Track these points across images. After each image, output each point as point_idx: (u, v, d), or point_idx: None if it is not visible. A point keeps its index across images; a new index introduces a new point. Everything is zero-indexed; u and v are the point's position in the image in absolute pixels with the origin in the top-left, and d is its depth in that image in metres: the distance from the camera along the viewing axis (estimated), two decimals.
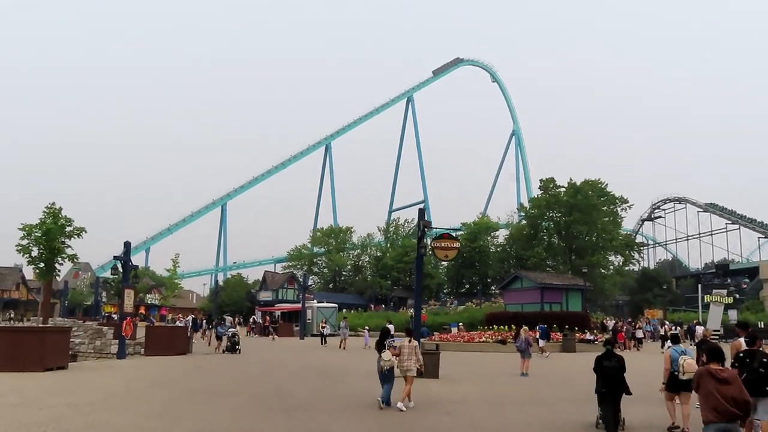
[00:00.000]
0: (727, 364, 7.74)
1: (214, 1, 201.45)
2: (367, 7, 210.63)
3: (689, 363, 9.39)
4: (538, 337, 29.31)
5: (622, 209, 57.44)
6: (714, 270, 55.23)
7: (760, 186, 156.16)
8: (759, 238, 71.09)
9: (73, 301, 67.91)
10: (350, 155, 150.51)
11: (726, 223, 75.22)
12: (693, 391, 6.95)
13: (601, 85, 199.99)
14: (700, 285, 39.77)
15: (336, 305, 49.54)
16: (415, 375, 12.20)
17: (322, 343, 32.40)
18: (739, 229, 73.68)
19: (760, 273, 50.53)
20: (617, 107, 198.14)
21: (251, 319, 47.18)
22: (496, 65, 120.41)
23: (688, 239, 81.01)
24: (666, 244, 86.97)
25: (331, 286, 73.91)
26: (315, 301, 48.87)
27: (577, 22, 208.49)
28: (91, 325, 27.79)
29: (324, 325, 33.95)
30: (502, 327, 34.47)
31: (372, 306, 63.06)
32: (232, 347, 25.39)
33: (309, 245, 79.76)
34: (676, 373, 9.57)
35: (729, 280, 50.15)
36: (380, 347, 12.25)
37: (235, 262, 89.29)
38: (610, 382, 9.37)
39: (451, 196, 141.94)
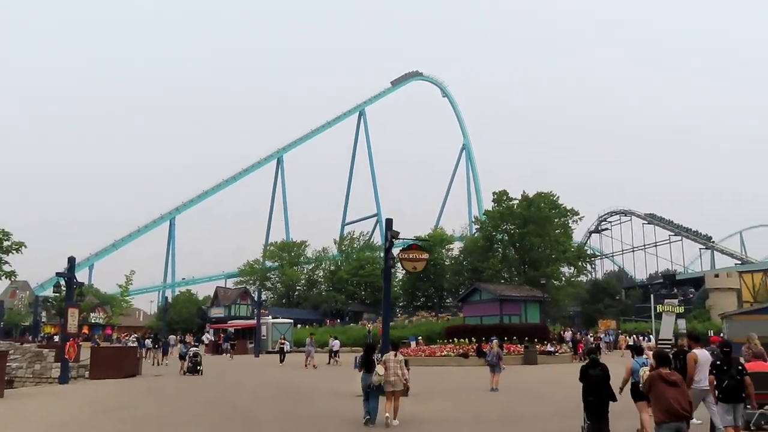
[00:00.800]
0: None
1: (156, 14, 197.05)
2: (320, 20, 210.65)
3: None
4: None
5: (573, 221, 58.35)
6: (661, 280, 56.59)
7: (700, 198, 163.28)
8: (700, 249, 73.79)
9: (10, 321, 63.75)
10: (303, 169, 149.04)
11: (669, 235, 77.76)
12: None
13: (543, 100, 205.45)
14: (652, 295, 40.41)
15: (292, 321, 48.19)
16: (402, 391, 11.98)
17: (280, 362, 30.61)
18: (681, 240, 76.30)
19: (705, 282, 52.10)
20: (566, 121, 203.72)
21: (204, 337, 45.23)
22: (447, 80, 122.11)
23: (633, 251, 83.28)
24: (612, 256, 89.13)
25: (284, 301, 72.19)
26: (270, 316, 47.33)
27: (532, 39, 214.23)
28: (30, 348, 25.59)
29: (283, 341, 32.00)
30: (462, 340, 34.01)
31: (327, 321, 61.73)
32: (194, 368, 23.79)
33: (261, 260, 77.87)
34: (637, 383, 9.68)
35: (676, 290, 51.39)
36: (368, 364, 12.00)
37: (183, 278, 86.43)
38: (597, 390, 9.49)
39: (405, 210, 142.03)
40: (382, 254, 75.81)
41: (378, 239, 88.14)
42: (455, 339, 34.95)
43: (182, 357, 24.57)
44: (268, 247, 79.73)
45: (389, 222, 18.65)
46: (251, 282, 72.80)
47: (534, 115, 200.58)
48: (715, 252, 76.86)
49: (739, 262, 73.25)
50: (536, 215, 53.50)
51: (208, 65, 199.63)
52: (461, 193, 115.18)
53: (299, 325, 54.52)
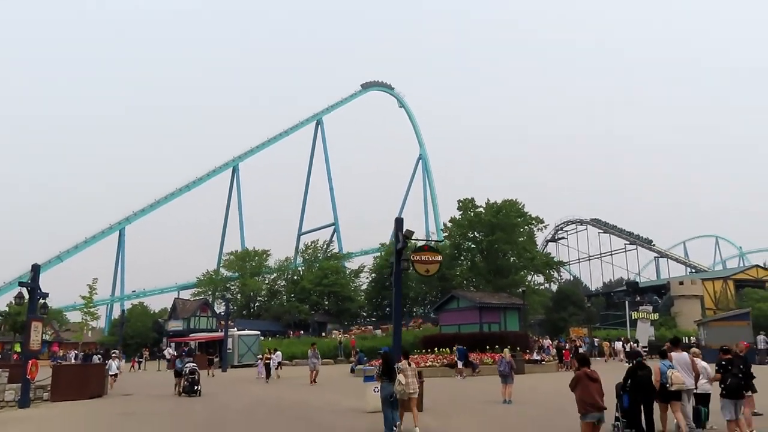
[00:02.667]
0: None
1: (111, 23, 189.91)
2: (278, 28, 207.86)
3: (676, 376, 10.58)
4: (456, 359, 28.29)
5: (538, 229, 58.29)
6: (623, 288, 57.14)
7: (651, 208, 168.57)
8: (655, 257, 75.40)
9: None
10: (259, 178, 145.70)
11: (625, 244, 79.20)
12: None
13: (494, 113, 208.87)
14: (627, 302, 40.33)
15: (258, 332, 45.80)
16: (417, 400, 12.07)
17: (267, 377, 27.61)
18: (636, 249, 77.86)
19: (671, 290, 52.83)
20: (520, 131, 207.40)
21: (166, 352, 42.22)
22: (405, 91, 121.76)
23: (589, 259, 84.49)
24: (569, 264, 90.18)
25: (244, 312, 69.23)
26: (236, 329, 44.76)
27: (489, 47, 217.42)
28: None
29: (270, 355, 28.75)
30: (444, 350, 32.67)
31: (291, 332, 59.35)
32: (191, 387, 20.15)
33: (221, 270, 74.67)
34: (666, 384, 10.53)
35: (639, 298, 51.93)
36: (389, 373, 11.84)
37: (134, 291, 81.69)
38: (647, 389, 10.31)
39: (363, 220, 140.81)
40: (345, 263, 74.58)
41: (336, 248, 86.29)
42: (436, 349, 33.66)
43: (178, 374, 21.10)
44: (227, 257, 76.53)
45: (399, 221, 17.13)
46: (209, 293, 69.59)
47: (488, 130, 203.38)
48: (669, 261, 78.76)
49: (694, 270, 75.30)
50: (504, 222, 53.05)
51: (160, 70, 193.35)
52: (418, 204, 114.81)
53: (261, 338, 52.05)
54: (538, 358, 30.82)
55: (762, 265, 66.04)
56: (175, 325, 55.38)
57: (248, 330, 46.81)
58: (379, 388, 12.62)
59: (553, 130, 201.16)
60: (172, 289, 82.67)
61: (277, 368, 29.77)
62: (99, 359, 31.81)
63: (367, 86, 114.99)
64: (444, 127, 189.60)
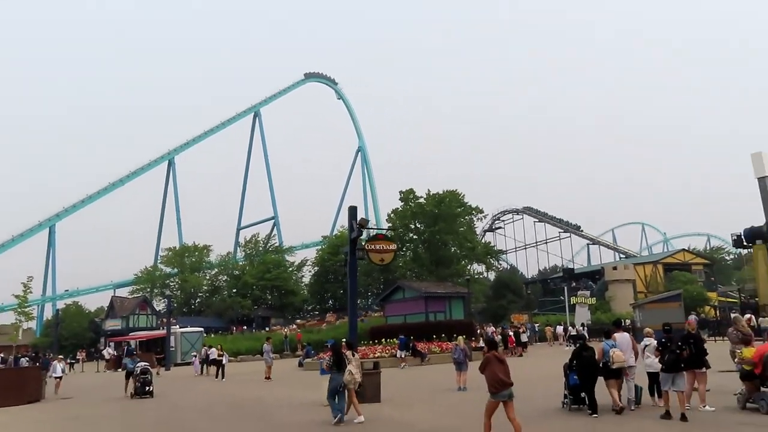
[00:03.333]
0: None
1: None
2: (216, 19, 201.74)
3: (617, 354, 11.38)
4: (398, 348, 28.63)
5: (478, 219, 59.38)
6: (559, 274, 59.10)
7: (583, 196, 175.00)
8: (587, 244, 78.41)
9: None
10: (196, 171, 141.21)
11: (559, 232, 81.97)
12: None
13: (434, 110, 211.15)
14: (565, 288, 41.63)
15: (202, 329, 44.55)
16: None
17: (216, 376, 26.30)
18: (570, 237, 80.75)
19: (605, 275, 55.01)
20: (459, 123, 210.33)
21: (105, 352, 40.35)
22: (343, 82, 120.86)
23: (526, 248, 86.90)
24: (507, 253, 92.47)
25: (185, 309, 67.11)
26: (178, 326, 43.32)
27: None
28: None
29: (221, 352, 27.40)
30: (392, 340, 32.77)
31: (233, 328, 58.04)
32: (143, 388, 18.79)
33: (160, 266, 72.01)
34: (608, 363, 11.35)
35: (575, 284, 53.81)
36: (340, 364, 12.14)
37: (67, 290, 77.57)
38: (590, 368, 11.55)
39: (303, 212, 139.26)
40: (288, 257, 73.44)
41: (277, 242, 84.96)
42: (384, 340, 33.72)
43: (129, 374, 19.66)
44: (165, 253, 73.86)
45: (353, 210, 16.88)
46: (148, 290, 67.03)
47: (425, 119, 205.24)
48: (600, 247, 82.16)
49: (624, 256, 78.83)
50: (446, 213, 53.70)
51: (95, 61, 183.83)
52: (358, 195, 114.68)
53: (204, 334, 50.67)
54: (484, 345, 31.28)
55: (688, 249, 70.03)
56: (113, 324, 53.07)
57: (190, 327, 45.46)
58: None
59: (493, 120, 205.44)
60: (108, 288, 79.18)
61: (210, 365, 29.18)
62: (27, 362, 30.26)
63: (308, 76, 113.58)
64: (384, 118, 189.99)
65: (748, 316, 29.15)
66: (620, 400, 11.50)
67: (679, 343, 10.84)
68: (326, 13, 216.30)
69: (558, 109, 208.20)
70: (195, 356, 32.30)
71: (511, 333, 33.12)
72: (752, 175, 42.79)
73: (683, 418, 10.16)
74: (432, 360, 29.08)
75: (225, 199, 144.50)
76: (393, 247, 16.89)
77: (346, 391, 12.18)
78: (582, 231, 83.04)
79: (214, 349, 30.85)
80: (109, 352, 39.75)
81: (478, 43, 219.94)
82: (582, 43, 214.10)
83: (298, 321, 58.38)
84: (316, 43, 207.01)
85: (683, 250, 67.56)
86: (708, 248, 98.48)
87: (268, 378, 24.24)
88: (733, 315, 15.60)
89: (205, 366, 29.68)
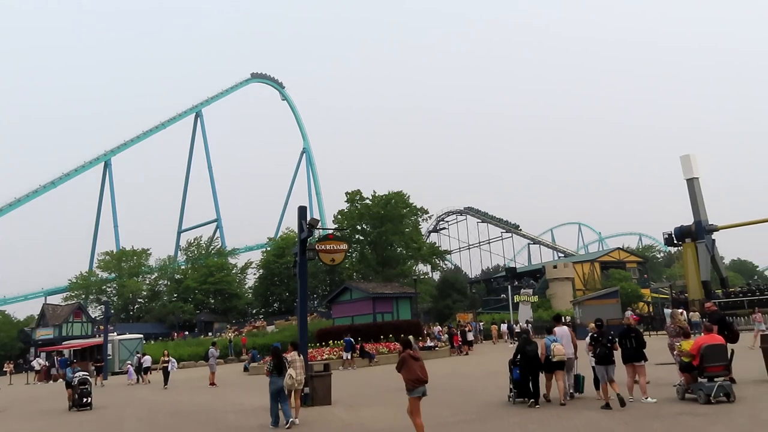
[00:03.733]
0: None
1: None
2: (155, 18, 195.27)
3: (558, 348, 12.01)
4: (343, 350, 28.58)
5: (423, 219, 59.90)
6: (502, 274, 60.32)
7: (522, 198, 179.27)
8: (528, 243, 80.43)
9: None
10: (135, 173, 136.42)
11: (501, 232, 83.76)
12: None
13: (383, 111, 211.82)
14: (509, 286, 42.50)
15: (141, 336, 42.91)
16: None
17: (165, 383, 24.80)
18: (512, 237, 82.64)
19: (546, 274, 56.54)
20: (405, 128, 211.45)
21: (36, 362, 38.22)
22: (288, 84, 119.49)
23: (469, 248, 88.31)
24: (451, 253, 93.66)
25: (123, 315, 64.58)
26: (116, 333, 41.58)
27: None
28: None
29: (167, 359, 25.78)
30: (339, 342, 32.49)
31: (175, 334, 56.23)
32: (80, 400, 17.48)
33: (96, 271, 68.93)
34: (550, 356, 11.98)
35: (517, 282, 55.01)
36: (280, 367, 12.16)
37: None
38: (533, 362, 12.29)
39: (247, 214, 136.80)
40: (231, 260, 71.80)
41: (220, 245, 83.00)
42: (332, 342, 33.43)
43: (69, 385, 18.17)
44: (101, 257, 70.74)
45: (302, 210, 16.61)
46: (83, 297, 64.04)
47: (369, 119, 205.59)
48: (540, 247, 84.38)
49: (562, 255, 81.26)
50: (393, 214, 53.89)
51: (23, 59, 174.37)
52: (303, 197, 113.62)
53: (144, 341, 48.87)
54: (432, 344, 31.57)
55: (622, 248, 72.97)
56: (45, 333, 50.39)
57: (129, 334, 43.73)
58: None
59: (437, 122, 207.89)
60: (38, 295, 75.11)
61: (146, 373, 28.60)
62: None
63: (255, 77, 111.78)
64: (330, 120, 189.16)
65: (679, 310, 30.56)
66: (555, 391, 12.29)
67: (614, 338, 11.76)
68: (269, 16, 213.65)
69: (496, 110, 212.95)
70: (129, 364, 31.06)
71: (457, 332, 33.50)
72: (681, 176, 45.02)
73: (622, 402, 10.84)
74: (380, 361, 29.03)
75: (165, 201, 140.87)
76: (344, 247, 16.73)
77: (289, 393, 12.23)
78: (521, 230, 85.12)
79: (148, 357, 30.39)
80: (39, 362, 37.70)
81: (420, 47, 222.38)
82: (516, 44, 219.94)
83: (248, 325, 57.05)
84: (262, 46, 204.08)
85: (618, 248, 70.33)
86: (640, 247, 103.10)
87: (212, 384, 23.53)
88: (671, 310, 16.39)
89: (141, 374, 28.74)
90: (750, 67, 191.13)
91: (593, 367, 12.16)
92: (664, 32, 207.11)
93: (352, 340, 29.27)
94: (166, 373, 24.79)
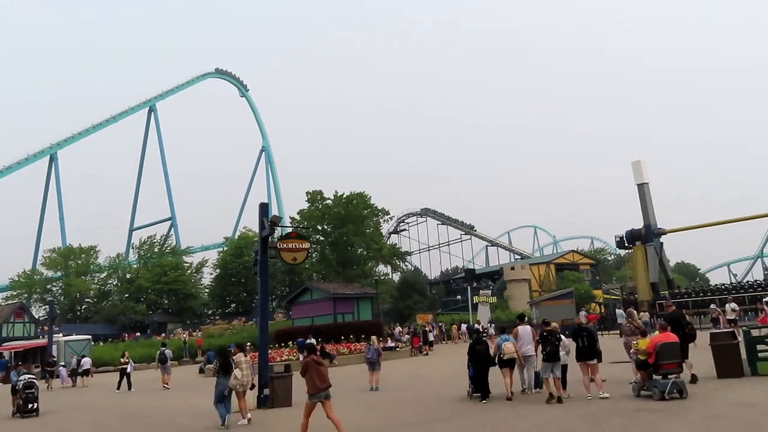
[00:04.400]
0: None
1: None
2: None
3: (508, 346, 12.88)
4: (298, 351, 28.67)
5: (384, 220, 60.00)
6: (462, 275, 61.12)
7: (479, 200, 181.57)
8: (486, 245, 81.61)
9: None
10: (82, 168, 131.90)
11: (460, 234, 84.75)
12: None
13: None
14: (469, 288, 43.08)
15: (90, 337, 41.44)
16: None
17: (129, 387, 23.72)
18: (471, 239, 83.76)
19: (504, 275, 57.52)
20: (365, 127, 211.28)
21: None
22: (248, 80, 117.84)
23: (429, 249, 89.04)
24: (411, 254, 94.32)
25: (70, 315, 62.35)
26: (61, 334, 40.13)
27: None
28: None
29: (126, 360, 24.44)
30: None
31: (126, 335, 54.66)
32: (25, 406, 16.23)
33: (39, 269, 66.36)
34: (501, 355, 12.88)
35: (476, 284, 55.82)
36: (227, 368, 12.29)
37: None
38: (483, 359, 13.16)
39: (204, 213, 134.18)
40: (186, 259, 70.33)
41: (174, 243, 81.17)
42: (291, 343, 33.26)
43: (15, 390, 16.85)
44: (46, 254, 68.11)
45: (264, 207, 16.46)
46: (26, 296, 61.53)
47: (326, 116, 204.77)
48: (498, 249, 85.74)
49: (519, 257, 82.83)
50: (354, 214, 53.77)
51: None
52: (262, 196, 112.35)
53: (92, 342, 47.39)
54: (393, 345, 31.71)
55: (576, 250, 74.92)
56: None
57: (76, 335, 42.28)
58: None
59: (398, 122, 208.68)
60: None
61: (84, 376, 27.85)
62: None
63: (217, 72, 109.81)
64: (290, 118, 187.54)
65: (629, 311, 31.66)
66: (513, 387, 13.06)
67: (560, 337, 12.63)
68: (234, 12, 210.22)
69: (455, 116, 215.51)
70: (63, 366, 29.93)
71: (420, 333, 33.92)
72: (630, 180, 46.60)
73: (559, 400, 11.73)
74: (340, 361, 28.99)
75: (116, 198, 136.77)
76: (306, 245, 16.62)
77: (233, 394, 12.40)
78: (476, 230, 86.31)
79: (87, 359, 29.58)
80: None
81: (389, 48, 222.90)
82: (478, 50, 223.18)
83: (204, 326, 55.93)
84: (221, 40, 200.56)
85: (572, 251, 72.24)
86: (592, 249, 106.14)
87: (166, 386, 23.02)
88: (622, 310, 17.04)
89: (76, 377, 27.86)
90: (700, 80, 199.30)
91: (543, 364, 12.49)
92: (618, 42, 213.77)
93: (303, 340, 29.40)
94: (124, 375, 23.76)
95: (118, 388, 23.59)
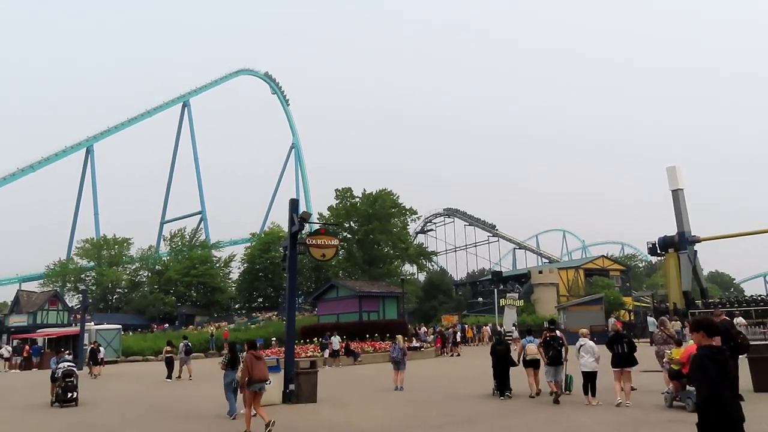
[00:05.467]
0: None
1: None
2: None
3: (531, 347, 13.70)
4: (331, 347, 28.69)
5: (411, 220, 59.95)
6: (488, 277, 60.64)
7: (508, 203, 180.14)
8: (514, 248, 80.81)
9: None
10: (118, 160, 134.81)
11: (488, 236, 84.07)
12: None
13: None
14: (496, 290, 42.72)
15: (120, 326, 42.33)
16: None
17: (168, 375, 23.68)
18: (498, 240, 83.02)
19: (531, 278, 56.88)
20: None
21: (4, 350, 37.58)
22: (279, 77, 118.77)
23: (456, 250, 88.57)
24: (437, 255, 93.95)
25: (101, 305, 63.76)
26: (93, 323, 41.03)
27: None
28: None
29: (170, 348, 24.14)
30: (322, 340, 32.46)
31: (155, 326, 55.67)
32: (64, 395, 15.65)
33: (75, 258, 67.99)
34: (525, 356, 13.84)
35: (503, 286, 55.29)
36: (234, 362, 13.43)
37: None
38: (503, 359, 14.10)
39: (232, 209, 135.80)
40: (215, 253, 71.25)
41: (204, 237, 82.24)
42: (317, 339, 33.34)
43: (54, 378, 16.29)
44: (80, 245, 69.74)
45: (294, 202, 16.49)
46: (60, 285, 63.12)
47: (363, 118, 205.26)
48: (526, 252, 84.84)
49: (547, 261, 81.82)
50: (380, 212, 53.86)
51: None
52: (291, 193, 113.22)
53: (122, 332, 48.34)
54: (418, 345, 31.59)
55: (606, 256, 73.66)
56: (18, 320, 49.60)
57: (107, 324, 43.19)
58: (269, 379, 13.15)
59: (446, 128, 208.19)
60: (12, 281, 74.01)
61: (99, 364, 27.83)
62: None
63: (246, 71, 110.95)
64: (319, 117, 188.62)
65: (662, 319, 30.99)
66: (538, 386, 13.89)
67: (564, 342, 13.29)
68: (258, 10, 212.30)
69: (486, 121, 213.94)
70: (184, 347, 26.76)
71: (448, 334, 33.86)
72: (660, 187, 45.52)
73: (556, 400, 12.50)
74: (365, 359, 29.03)
75: (149, 192, 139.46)
76: (335, 242, 16.60)
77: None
78: (497, 230, 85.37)
79: (102, 348, 29.98)
80: (7, 349, 37.20)
81: (414, 51, 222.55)
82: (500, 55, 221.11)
83: (235, 320, 56.62)
84: (254, 39, 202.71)
85: (602, 256, 70.99)
86: (622, 255, 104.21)
87: (179, 377, 23.51)
88: (660, 318, 16.49)
89: (90, 365, 27.62)
90: (736, 85, 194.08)
91: (583, 373, 12.42)
92: (651, 49, 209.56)
93: (328, 337, 29.53)
94: (170, 364, 23.85)
95: (169, 377, 23.70)
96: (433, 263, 74.34)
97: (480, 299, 61.33)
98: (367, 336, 32.97)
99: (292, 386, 14.98)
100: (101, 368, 28.19)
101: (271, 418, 10.37)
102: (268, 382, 11.17)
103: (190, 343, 25.09)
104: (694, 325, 4.95)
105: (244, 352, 12.54)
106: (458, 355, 31.38)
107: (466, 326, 41.90)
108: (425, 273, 65.01)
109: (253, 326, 51.33)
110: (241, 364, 12.48)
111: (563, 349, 12.97)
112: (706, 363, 4.50)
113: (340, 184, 57.86)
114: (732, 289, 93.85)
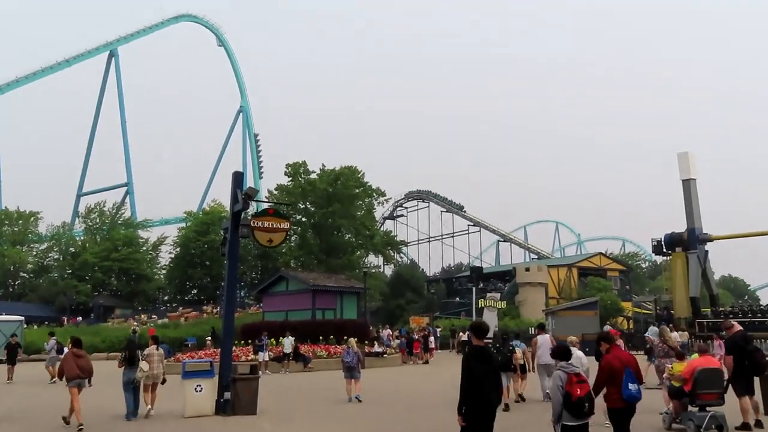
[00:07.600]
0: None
1: None
2: None
3: (518, 352, 15.98)
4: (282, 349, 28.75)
5: (379, 203, 59.81)
6: (468, 274, 61.02)
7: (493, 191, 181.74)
8: (498, 241, 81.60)
9: None
10: (26, 117, 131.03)
11: (468, 225, 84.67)
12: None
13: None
14: (474, 288, 43.07)
15: (22, 318, 41.69)
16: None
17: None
18: (479, 231, 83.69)
19: (516, 276, 57.33)
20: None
21: None
22: (225, 28, 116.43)
23: (430, 240, 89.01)
24: (408, 245, 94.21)
25: (1, 292, 62.40)
26: None
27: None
28: None
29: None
30: (271, 340, 32.25)
31: (65, 318, 54.63)
32: None
33: None
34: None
35: (483, 285, 55.71)
36: (132, 360, 14.15)
37: None
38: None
39: (166, 180, 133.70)
40: (142, 233, 70.16)
41: (129, 214, 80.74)
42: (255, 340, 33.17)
43: None
44: None
45: (238, 176, 16.14)
46: None
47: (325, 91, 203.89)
48: (511, 245, 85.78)
49: (535, 256, 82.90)
50: (342, 193, 53.51)
51: None
52: (236, 164, 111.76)
53: (25, 325, 47.28)
54: (380, 350, 31.64)
55: (604, 253, 74.69)
56: None
57: (6, 315, 42.29)
58: (201, 386, 14.55)
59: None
60: None
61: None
62: None
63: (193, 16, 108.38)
64: (275, 79, 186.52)
65: (662, 328, 31.65)
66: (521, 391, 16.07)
67: (514, 348, 15.71)
68: None
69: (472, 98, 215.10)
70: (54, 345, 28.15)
71: (417, 337, 34.03)
72: (667, 179, 45.92)
73: (505, 408, 13.77)
74: (317, 366, 29.00)
75: (64, 158, 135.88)
76: (285, 226, 16.30)
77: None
78: (465, 212, 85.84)
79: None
80: None
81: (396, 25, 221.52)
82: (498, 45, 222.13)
83: (169, 314, 55.92)
84: None
85: (600, 254, 71.86)
86: (623, 253, 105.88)
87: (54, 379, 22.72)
88: (659, 326, 16.69)
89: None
90: (745, 77, 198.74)
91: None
92: (651, 42, 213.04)
93: (263, 339, 29.50)
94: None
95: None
96: (402, 254, 74.66)
97: (456, 299, 61.91)
98: (321, 338, 32.89)
99: (227, 395, 14.81)
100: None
101: (83, 422, 12.23)
102: (87, 381, 13.44)
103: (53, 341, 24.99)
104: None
105: (147, 350, 14.88)
106: (426, 362, 31.56)
107: (438, 329, 42.32)
108: (393, 266, 65.27)
109: (184, 321, 50.80)
110: (142, 362, 14.18)
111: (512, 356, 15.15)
112: (471, 360, 7.43)
113: (300, 158, 56.64)
114: (746, 297, 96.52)
